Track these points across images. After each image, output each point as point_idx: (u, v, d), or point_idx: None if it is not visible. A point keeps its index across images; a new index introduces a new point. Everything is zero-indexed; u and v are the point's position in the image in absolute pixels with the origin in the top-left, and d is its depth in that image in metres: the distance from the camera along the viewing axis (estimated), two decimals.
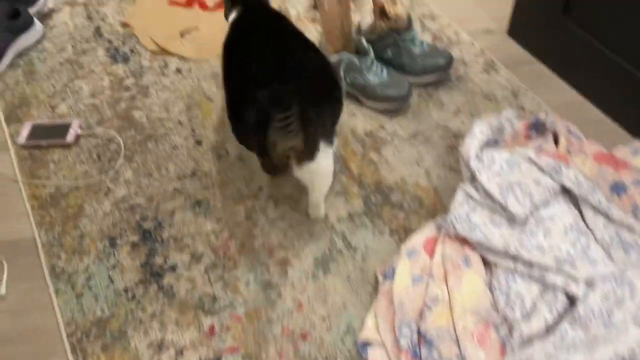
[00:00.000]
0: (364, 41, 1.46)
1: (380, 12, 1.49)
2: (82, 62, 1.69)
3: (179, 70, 1.65)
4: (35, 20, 1.75)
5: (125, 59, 1.69)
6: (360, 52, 1.48)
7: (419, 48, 1.53)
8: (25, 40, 1.71)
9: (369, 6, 1.40)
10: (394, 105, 1.48)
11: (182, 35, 1.74)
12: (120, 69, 1.66)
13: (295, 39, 1.27)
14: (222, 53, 1.32)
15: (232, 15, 1.38)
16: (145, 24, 1.78)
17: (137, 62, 1.68)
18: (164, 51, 1.70)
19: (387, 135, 1.46)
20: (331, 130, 1.17)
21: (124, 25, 1.80)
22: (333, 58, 1.48)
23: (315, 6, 1.46)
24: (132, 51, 1.72)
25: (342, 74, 1.48)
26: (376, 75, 1.47)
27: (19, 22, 1.69)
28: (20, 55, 1.72)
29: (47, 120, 1.52)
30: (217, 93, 1.58)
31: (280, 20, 1.35)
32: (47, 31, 1.79)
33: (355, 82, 1.49)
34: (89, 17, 1.84)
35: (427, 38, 1.68)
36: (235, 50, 1.28)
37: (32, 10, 1.78)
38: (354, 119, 1.50)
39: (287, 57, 1.18)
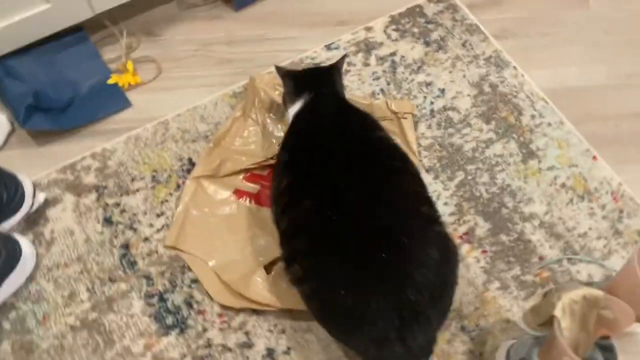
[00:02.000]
0: None
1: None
2: (109, 327, 1.01)
3: (270, 355, 1.01)
4: (22, 245, 1.04)
5: (181, 324, 1.01)
6: None
7: None
8: (8, 287, 1.02)
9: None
10: None
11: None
12: (175, 349, 0.99)
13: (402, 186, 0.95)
14: (282, 168, 1.00)
15: (295, 108, 1.05)
16: (202, 243, 1.06)
17: (200, 332, 1.00)
18: (241, 299, 1.01)
19: None
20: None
21: (170, 247, 1.09)
22: None
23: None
24: (188, 304, 1.03)
25: None
26: None
27: None
28: (3, 307, 1.04)
29: None
30: None
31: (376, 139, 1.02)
32: (41, 252, 1.08)
33: None
34: (108, 221, 1.11)
35: None
36: (306, 186, 0.95)
37: (12, 223, 1.06)
38: None
39: (400, 230, 0.87)
